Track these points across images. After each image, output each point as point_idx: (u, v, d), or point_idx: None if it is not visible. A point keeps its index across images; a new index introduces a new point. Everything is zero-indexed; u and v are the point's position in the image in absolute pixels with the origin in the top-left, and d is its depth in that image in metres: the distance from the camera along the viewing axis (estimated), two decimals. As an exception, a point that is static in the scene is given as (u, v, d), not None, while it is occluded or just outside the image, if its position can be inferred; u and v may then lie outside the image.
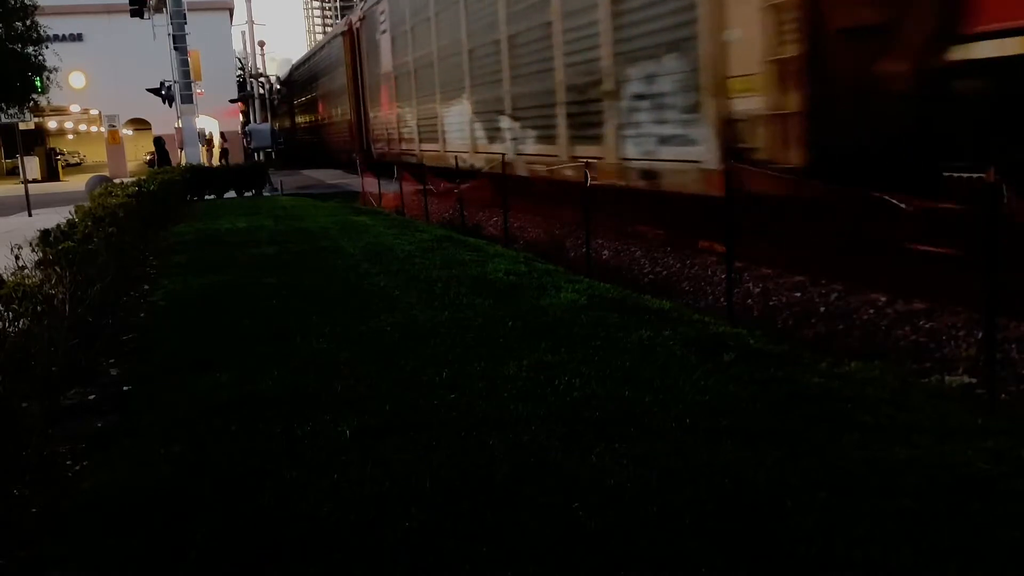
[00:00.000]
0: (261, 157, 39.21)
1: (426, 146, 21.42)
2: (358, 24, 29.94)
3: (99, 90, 41.36)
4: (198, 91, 27.92)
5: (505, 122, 15.30)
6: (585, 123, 12.04)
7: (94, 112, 44.90)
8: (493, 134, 16.09)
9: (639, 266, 10.48)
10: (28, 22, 26.18)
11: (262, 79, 50.31)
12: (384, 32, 25.38)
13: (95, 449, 4.44)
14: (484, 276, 8.70)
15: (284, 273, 9.62)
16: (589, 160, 10.82)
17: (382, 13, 25.45)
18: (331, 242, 12.32)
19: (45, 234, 6.69)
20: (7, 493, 3.71)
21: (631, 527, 3.24)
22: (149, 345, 6.64)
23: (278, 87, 49.67)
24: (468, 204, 14.63)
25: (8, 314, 4.37)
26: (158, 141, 32.16)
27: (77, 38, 41.46)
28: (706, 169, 9.15)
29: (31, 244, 6.26)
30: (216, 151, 39.80)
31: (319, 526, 3.39)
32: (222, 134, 42.01)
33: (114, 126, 41.72)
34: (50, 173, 42.38)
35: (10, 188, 32.49)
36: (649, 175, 10.38)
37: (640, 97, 10.53)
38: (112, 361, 6.20)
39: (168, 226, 15.32)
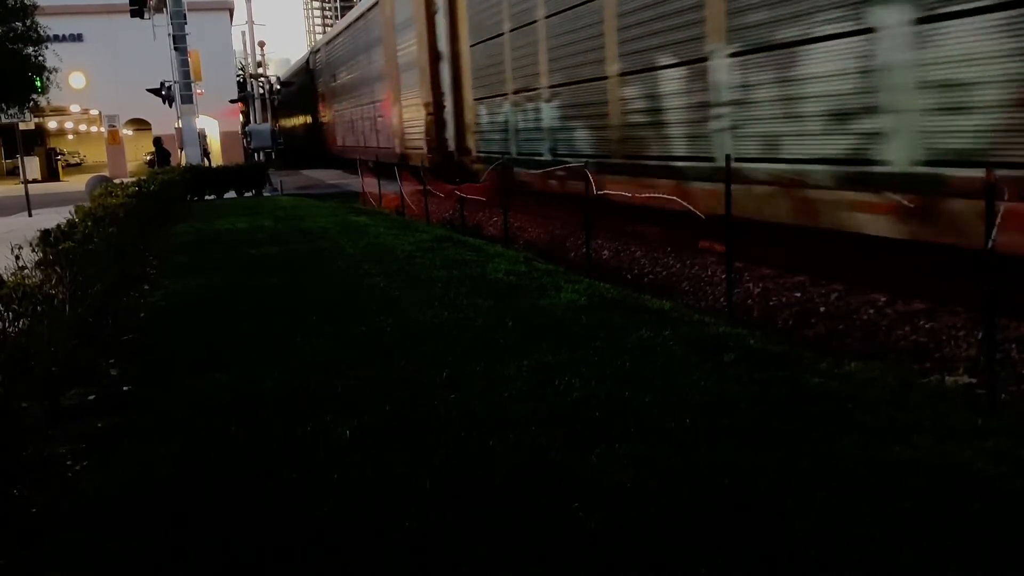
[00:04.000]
0: (261, 157, 39.19)
1: (337, 143, 40.09)
2: (314, 57, 46.48)
3: (99, 90, 41.33)
4: (198, 91, 27.92)
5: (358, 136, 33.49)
6: (372, 129, 30.13)
7: (94, 112, 44.87)
8: (356, 139, 34.16)
9: (639, 266, 10.48)
10: (28, 22, 26.15)
11: (262, 79, 50.26)
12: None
13: (95, 449, 4.43)
14: (484, 276, 8.70)
15: (284, 273, 9.62)
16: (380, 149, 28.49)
17: (317, 56, 45.69)
18: (331, 242, 12.32)
19: (45, 234, 6.69)
20: (7, 493, 3.71)
21: (631, 527, 3.25)
22: (149, 345, 6.64)
23: (277, 87, 49.91)
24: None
25: (8, 314, 4.37)
26: (157, 141, 32.14)
27: (77, 38, 41.40)
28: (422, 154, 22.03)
29: (31, 244, 6.26)
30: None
31: (319, 526, 3.39)
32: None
33: (114, 126, 41.69)
34: (50, 173, 42.38)
35: (10, 188, 32.49)
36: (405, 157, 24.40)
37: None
38: (112, 361, 6.20)
39: (168, 226, 15.32)
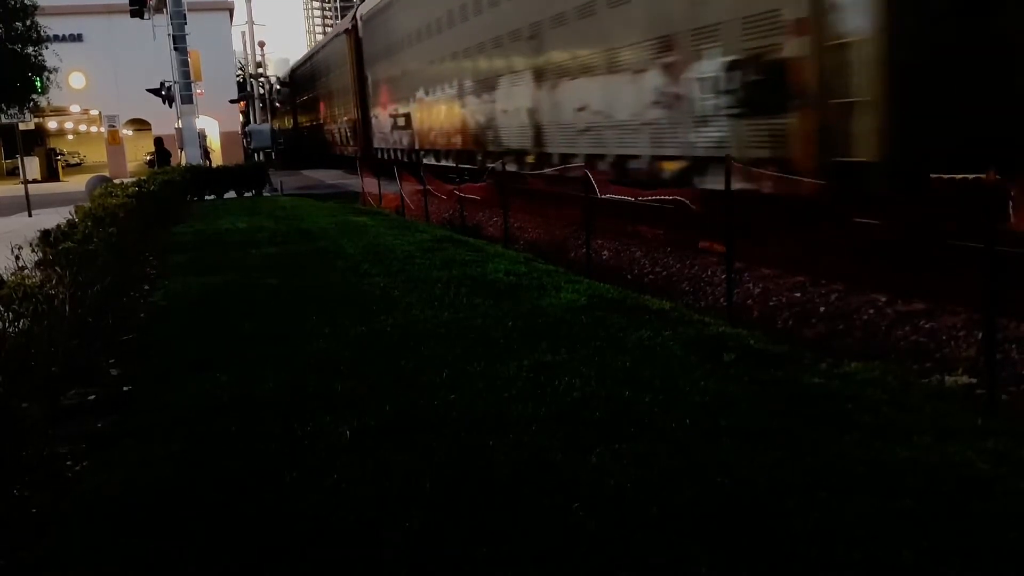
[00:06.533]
0: (261, 157, 39.21)
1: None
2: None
3: (99, 90, 41.33)
4: (198, 91, 27.91)
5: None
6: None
7: (94, 112, 44.86)
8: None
9: (639, 266, 10.48)
10: (28, 22, 26.15)
11: (262, 79, 50.39)
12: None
13: (95, 449, 4.43)
14: (484, 276, 8.70)
15: (284, 273, 9.61)
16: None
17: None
18: (331, 242, 12.32)
19: (45, 234, 6.69)
20: (7, 493, 3.71)
21: (631, 527, 3.24)
22: (149, 345, 6.64)
23: (277, 87, 50.30)
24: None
25: (8, 314, 4.37)
26: (158, 141, 32.16)
27: (77, 38, 41.40)
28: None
29: (31, 244, 6.26)
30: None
31: (319, 527, 3.39)
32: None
33: (114, 126, 41.67)
34: (50, 173, 42.37)
35: (10, 188, 32.45)
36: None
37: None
38: (112, 361, 6.20)
39: (168, 226, 15.32)
